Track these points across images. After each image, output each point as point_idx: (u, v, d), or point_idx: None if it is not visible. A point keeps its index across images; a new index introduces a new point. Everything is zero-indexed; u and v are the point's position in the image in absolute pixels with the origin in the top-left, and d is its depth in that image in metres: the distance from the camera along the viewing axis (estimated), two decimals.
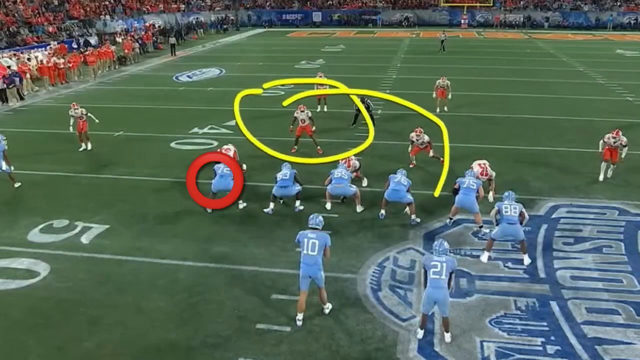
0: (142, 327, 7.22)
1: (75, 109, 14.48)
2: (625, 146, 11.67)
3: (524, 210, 8.53)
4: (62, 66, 24.36)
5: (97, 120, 14.97)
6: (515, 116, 17.69)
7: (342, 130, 15.85)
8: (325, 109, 17.91)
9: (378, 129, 15.67)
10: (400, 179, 10.01)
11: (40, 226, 10.10)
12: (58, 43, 31.53)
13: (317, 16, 53.01)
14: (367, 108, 15.91)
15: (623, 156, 11.81)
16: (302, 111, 13.68)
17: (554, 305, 7.48)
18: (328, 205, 10.54)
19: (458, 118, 16.94)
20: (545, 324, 7.11)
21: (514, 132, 15.83)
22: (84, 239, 9.61)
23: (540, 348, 6.67)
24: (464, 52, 33.31)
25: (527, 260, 8.56)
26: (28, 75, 22.73)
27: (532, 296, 7.70)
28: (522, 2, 51.57)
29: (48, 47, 29.85)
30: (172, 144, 15.16)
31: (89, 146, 14.80)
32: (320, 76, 17.71)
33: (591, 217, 10.20)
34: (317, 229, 7.17)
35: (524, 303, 7.54)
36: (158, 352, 6.75)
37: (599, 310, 7.42)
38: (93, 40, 34.91)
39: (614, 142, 11.63)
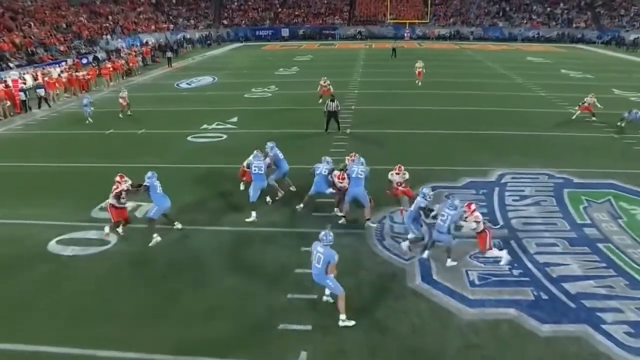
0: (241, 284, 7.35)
1: (123, 92, 18.47)
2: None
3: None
4: (81, 77, 23.82)
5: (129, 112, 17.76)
6: (460, 108, 18.62)
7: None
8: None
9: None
10: (357, 171, 8.41)
11: (99, 206, 10.17)
12: (76, 59, 30.78)
13: (285, 32, 52.90)
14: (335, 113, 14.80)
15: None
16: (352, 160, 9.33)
17: (513, 243, 8.43)
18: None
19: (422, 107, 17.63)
20: None
21: (463, 120, 16.65)
22: (138, 214, 9.82)
23: (509, 272, 7.58)
24: (410, 58, 33.94)
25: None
26: (57, 88, 22.09)
27: (497, 238, 8.54)
28: (451, 19, 53.09)
29: (63, 63, 28.92)
30: (189, 138, 15.30)
31: (129, 112, 18.17)
32: (325, 79, 19.14)
33: (529, 181, 11.21)
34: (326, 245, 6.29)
35: (492, 243, 8.31)
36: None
37: (544, 244, 8.40)
38: (100, 56, 33.96)
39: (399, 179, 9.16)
